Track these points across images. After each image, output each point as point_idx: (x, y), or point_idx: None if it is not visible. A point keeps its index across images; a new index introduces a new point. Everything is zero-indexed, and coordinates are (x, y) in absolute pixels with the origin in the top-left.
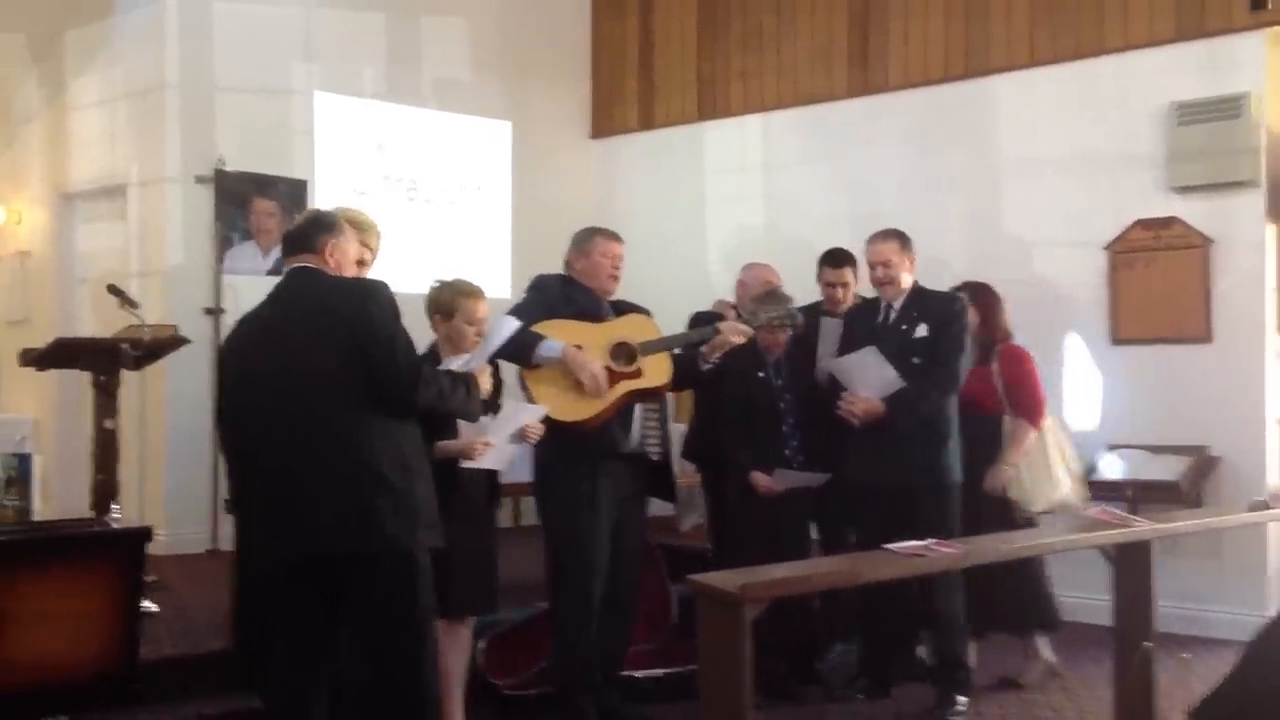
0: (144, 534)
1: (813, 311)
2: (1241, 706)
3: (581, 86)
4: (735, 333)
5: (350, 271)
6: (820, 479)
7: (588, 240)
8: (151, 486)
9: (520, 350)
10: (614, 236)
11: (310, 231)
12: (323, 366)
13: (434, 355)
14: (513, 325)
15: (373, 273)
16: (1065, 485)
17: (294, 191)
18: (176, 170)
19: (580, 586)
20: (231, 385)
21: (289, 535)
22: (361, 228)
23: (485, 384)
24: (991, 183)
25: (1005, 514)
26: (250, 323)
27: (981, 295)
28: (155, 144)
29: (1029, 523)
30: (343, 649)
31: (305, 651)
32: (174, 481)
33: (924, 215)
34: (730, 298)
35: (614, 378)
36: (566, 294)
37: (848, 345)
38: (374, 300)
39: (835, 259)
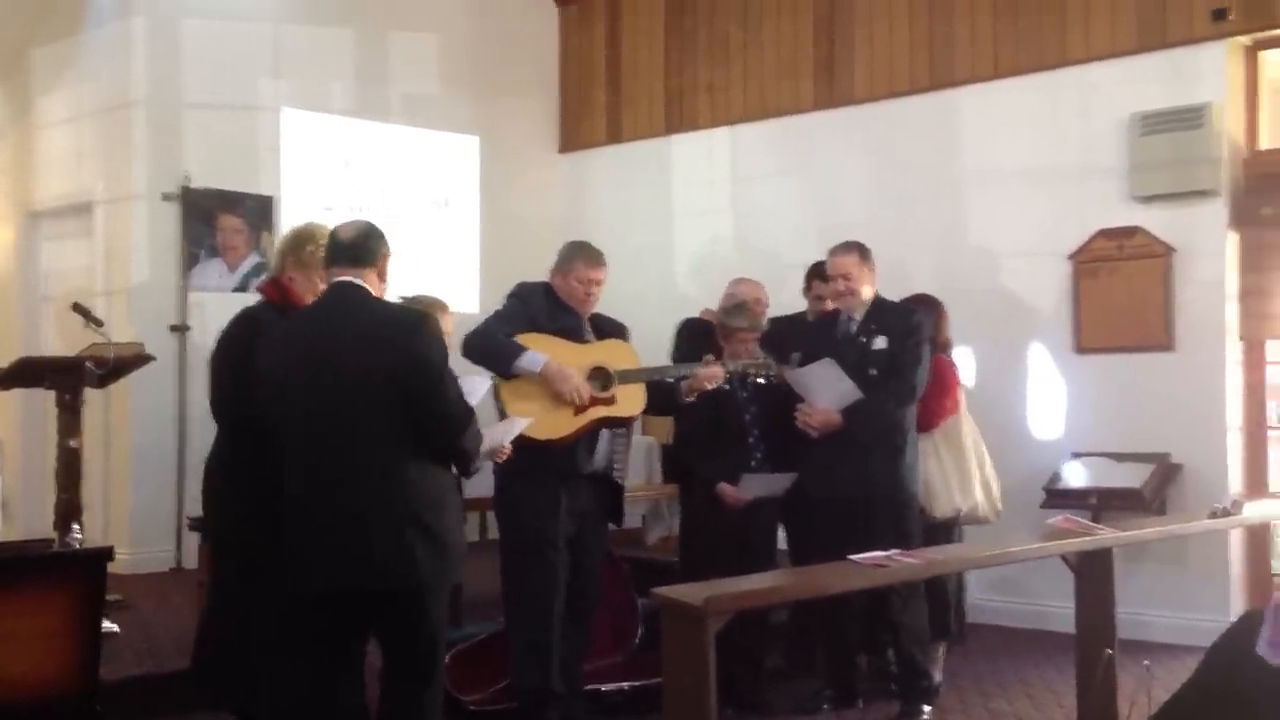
0: (104, 554)
1: (790, 323)
2: (1202, 711)
3: (550, 101)
4: (711, 379)
5: (386, 284)
6: (786, 480)
7: (569, 261)
8: (116, 505)
9: (501, 358)
10: (595, 262)
11: (368, 244)
12: (374, 400)
13: None
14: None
15: None
16: (975, 497)
17: (261, 208)
18: (143, 188)
19: (537, 600)
20: (272, 402)
21: (325, 566)
22: None
23: None
24: (956, 194)
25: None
26: (292, 339)
27: (927, 308)
28: (122, 161)
29: (938, 528)
30: (351, 675)
31: (317, 676)
32: (139, 500)
33: (890, 226)
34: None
35: (588, 402)
36: (549, 306)
37: (808, 358)
38: (432, 341)
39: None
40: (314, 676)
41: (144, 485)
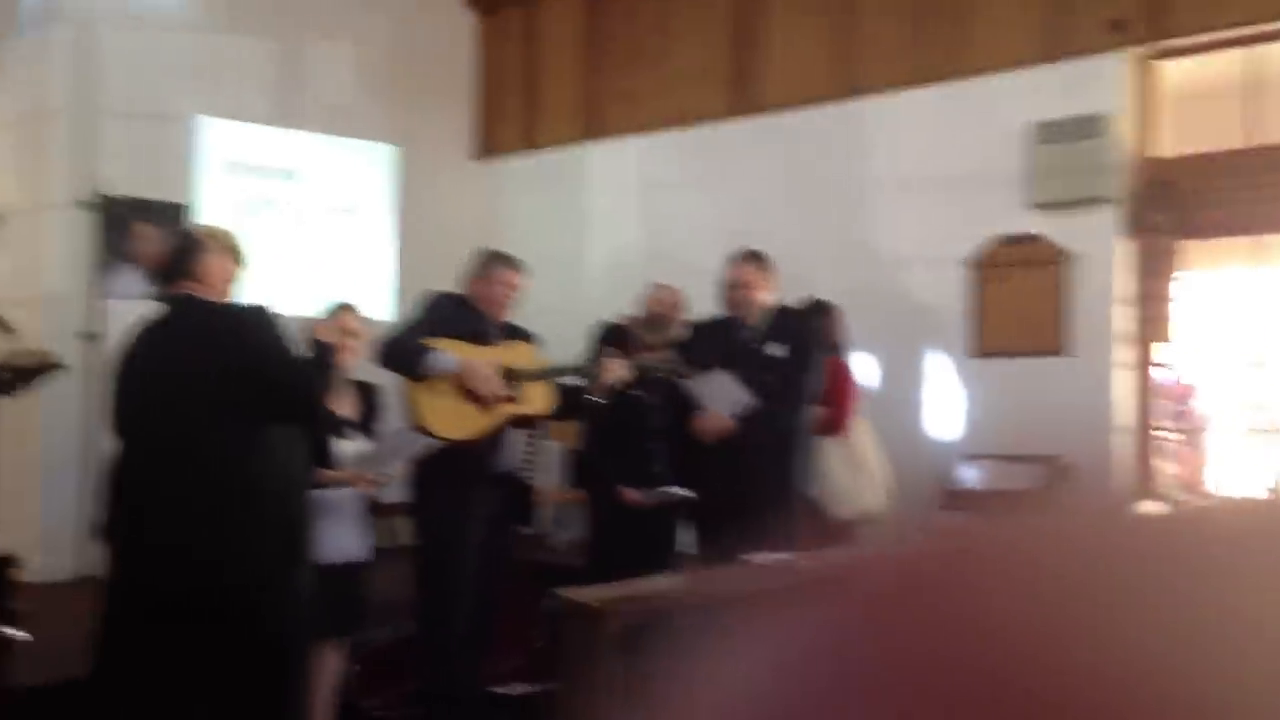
0: (7, 561)
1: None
2: None
3: (468, 110)
4: (618, 371)
5: (227, 286)
6: (685, 495)
7: (490, 266)
8: (28, 513)
9: (414, 362)
10: (517, 266)
11: (183, 257)
12: (207, 394)
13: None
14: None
15: (261, 296)
16: (870, 495)
17: (176, 215)
18: (59, 196)
19: (445, 604)
20: (123, 414)
21: (167, 569)
22: (231, 251)
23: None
24: (862, 201)
25: (816, 520)
26: (135, 351)
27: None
28: (38, 169)
29: (840, 529)
30: (211, 687)
31: (173, 689)
32: (49, 508)
33: (797, 233)
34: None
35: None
36: (457, 314)
37: (707, 364)
38: (258, 321)
39: None
40: (166, 694)
41: (54, 494)
